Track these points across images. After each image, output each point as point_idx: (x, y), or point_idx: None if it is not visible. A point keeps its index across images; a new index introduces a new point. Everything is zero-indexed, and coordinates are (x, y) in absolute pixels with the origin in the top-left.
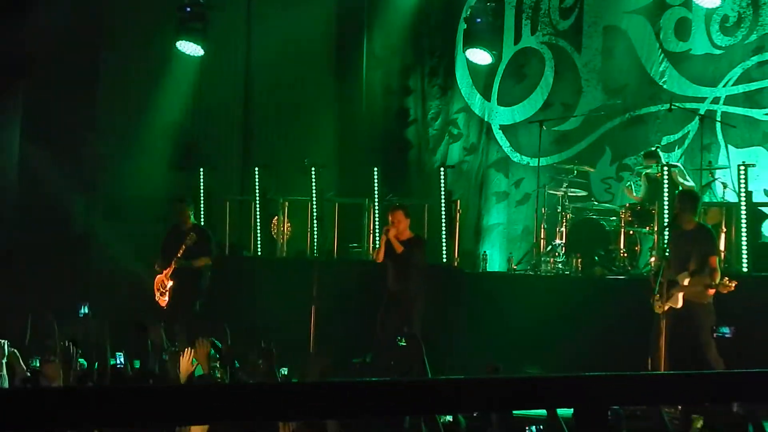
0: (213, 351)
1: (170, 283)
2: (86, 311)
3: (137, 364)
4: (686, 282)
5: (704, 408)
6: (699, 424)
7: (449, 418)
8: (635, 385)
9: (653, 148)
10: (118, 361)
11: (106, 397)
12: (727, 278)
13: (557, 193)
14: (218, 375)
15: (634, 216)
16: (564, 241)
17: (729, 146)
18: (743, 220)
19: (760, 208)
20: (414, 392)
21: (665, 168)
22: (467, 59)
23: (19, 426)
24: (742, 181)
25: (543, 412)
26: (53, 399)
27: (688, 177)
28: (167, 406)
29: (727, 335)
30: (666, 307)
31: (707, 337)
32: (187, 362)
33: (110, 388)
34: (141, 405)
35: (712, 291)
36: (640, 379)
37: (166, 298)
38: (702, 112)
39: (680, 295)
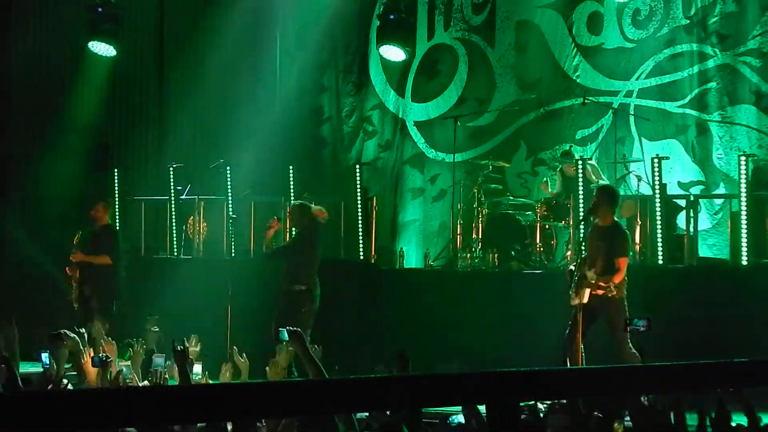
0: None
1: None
2: None
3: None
4: (593, 280)
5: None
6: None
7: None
8: (547, 380)
9: (567, 147)
10: (44, 362)
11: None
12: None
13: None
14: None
15: (550, 210)
16: (480, 236)
17: (643, 139)
18: (658, 213)
19: (674, 200)
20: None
21: (580, 162)
22: (381, 56)
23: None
24: (656, 173)
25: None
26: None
27: (602, 175)
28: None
29: (641, 328)
30: (576, 302)
31: (620, 333)
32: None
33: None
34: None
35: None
36: (550, 375)
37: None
38: (615, 105)
39: (587, 292)
